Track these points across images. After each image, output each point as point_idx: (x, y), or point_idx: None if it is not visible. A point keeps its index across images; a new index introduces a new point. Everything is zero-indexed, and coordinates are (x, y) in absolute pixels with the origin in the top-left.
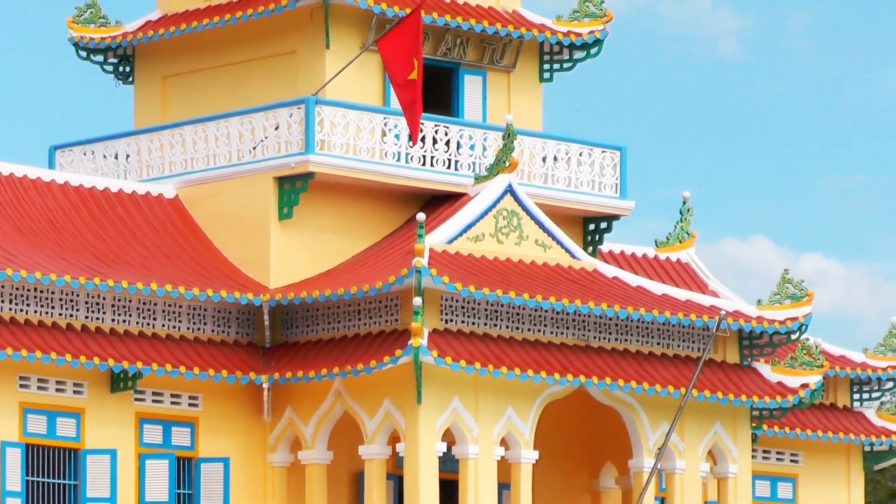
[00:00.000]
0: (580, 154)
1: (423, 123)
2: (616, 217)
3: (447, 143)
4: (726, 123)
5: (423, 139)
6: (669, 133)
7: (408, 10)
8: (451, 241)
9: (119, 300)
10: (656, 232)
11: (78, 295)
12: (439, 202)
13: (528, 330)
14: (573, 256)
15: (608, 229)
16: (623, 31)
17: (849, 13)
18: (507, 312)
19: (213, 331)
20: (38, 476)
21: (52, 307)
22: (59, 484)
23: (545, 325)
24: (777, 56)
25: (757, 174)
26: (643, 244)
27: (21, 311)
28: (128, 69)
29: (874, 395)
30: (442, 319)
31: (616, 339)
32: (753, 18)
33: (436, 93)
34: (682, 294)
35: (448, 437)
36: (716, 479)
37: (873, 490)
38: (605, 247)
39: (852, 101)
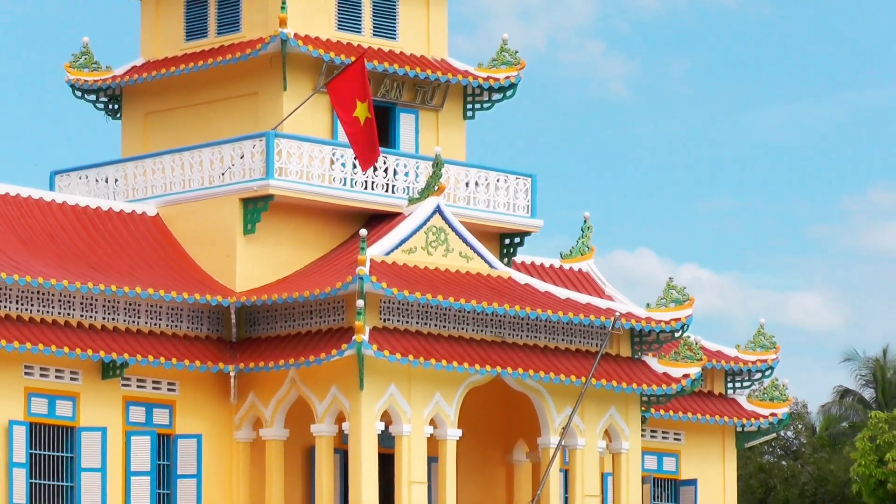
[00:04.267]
0: (497, 180)
1: (383, 156)
2: (527, 233)
3: (385, 171)
4: (618, 154)
5: (367, 168)
6: (572, 162)
7: (352, 59)
8: (388, 253)
9: (109, 301)
10: (561, 246)
11: (74, 297)
12: (378, 220)
13: (454, 328)
14: (491, 266)
15: (521, 244)
16: (532, 76)
17: (721, 61)
18: (436, 313)
19: (188, 328)
20: (40, 450)
21: (52, 307)
22: (57, 456)
23: (467, 324)
24: (660, 97)
25: (643, 197)
26: (550, 256)
27: (26, 310)
28: (116, 107)
29: (745, 384)
30: (381, 319)
31: (527, 336)
32: (639, 65)
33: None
34: (582, 298)
35: (385, 417)
36: (611, 455)
37: (744, 464)
38: (518, 258)
39: (723, 136)
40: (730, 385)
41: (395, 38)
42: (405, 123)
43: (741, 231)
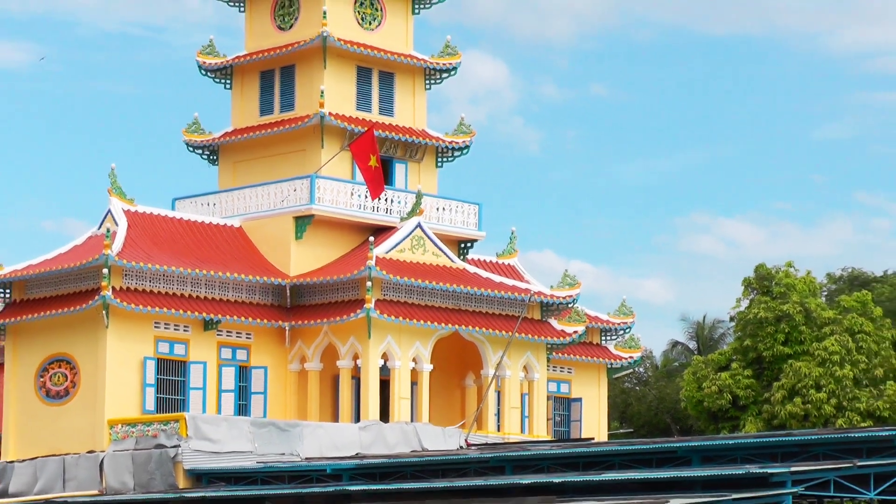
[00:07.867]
0: (456, 206)
1: (385, 191)
2: (475, 240)
3: (386, 200)
4: (533, 190)
5: (375, 198)
6: (504, 194)
7: (366, 128)
8: (387, 252)
9: (208, 281)
10: (496, 248)
11: (186, 278)
12: (381, 231)
13: (428, 300)
14: (452, 261)
15: (471, 247)
16: (479, 140)
17: (599, 130)
18: (417, 291)
19: (259, 298)
20: (163, 376)
21: (172, 284)
22: (174, 380)
23: (437, 298)
24: (560, 154)
25: (549, 216)
26: (489, 255)
27: (155, 286)
28: (215, 157)
29: (613, 337)
30: (382, 294)
31: (475, 305)
32: (545, 132)
33: None
34: (510, 282)
35: (384, 356)
36: (528, 381)
37: (612, 388)
38: (470, 256)
39: (601, 179)
40: (603, 338)
41: (392, 115)
42: (399, 170)
43: (611, 239)
